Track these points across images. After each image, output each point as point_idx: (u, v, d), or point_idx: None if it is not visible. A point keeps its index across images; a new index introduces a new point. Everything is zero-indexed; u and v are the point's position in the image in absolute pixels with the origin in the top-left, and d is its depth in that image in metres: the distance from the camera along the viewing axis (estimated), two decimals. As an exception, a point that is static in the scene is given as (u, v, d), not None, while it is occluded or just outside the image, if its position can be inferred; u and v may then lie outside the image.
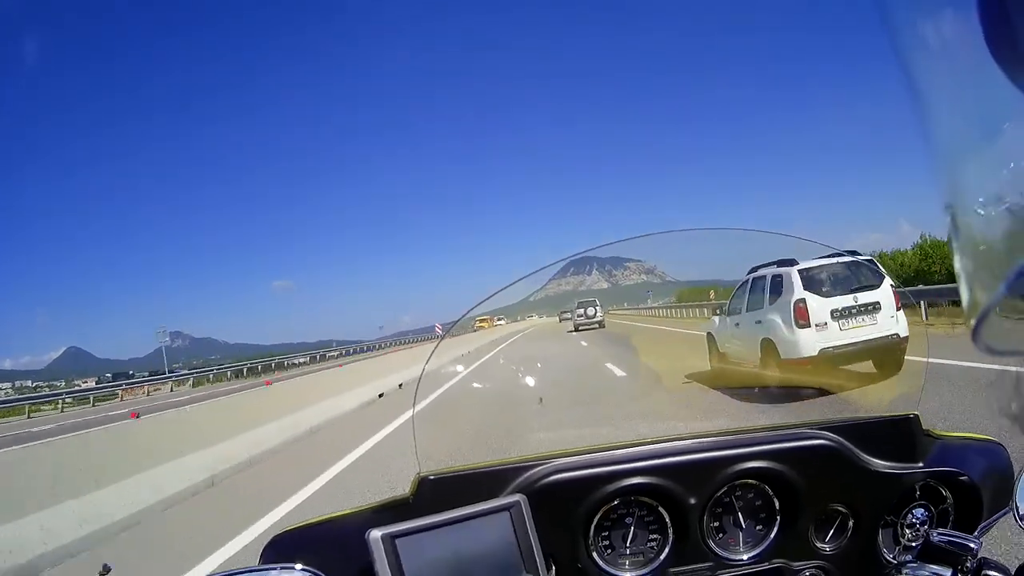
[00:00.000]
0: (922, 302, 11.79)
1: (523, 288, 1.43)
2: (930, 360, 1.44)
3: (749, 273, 6.24)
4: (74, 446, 6.31)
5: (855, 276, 6.24)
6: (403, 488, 1.06)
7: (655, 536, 1.05)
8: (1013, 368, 1.00)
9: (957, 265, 0.33)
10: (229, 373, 36.66)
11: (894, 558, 1.07)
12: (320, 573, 0.86)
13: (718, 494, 1.05)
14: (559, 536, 0.99)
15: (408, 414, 7.96)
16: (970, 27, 0.28)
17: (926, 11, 0.31)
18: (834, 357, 5.86)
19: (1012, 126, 0.29)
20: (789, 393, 3.48)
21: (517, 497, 0.93)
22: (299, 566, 0.86)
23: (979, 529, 1.08)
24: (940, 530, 0.98)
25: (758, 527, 1.08)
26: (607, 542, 1.04)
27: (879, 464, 1.07)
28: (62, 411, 25.75)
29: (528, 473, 1.03)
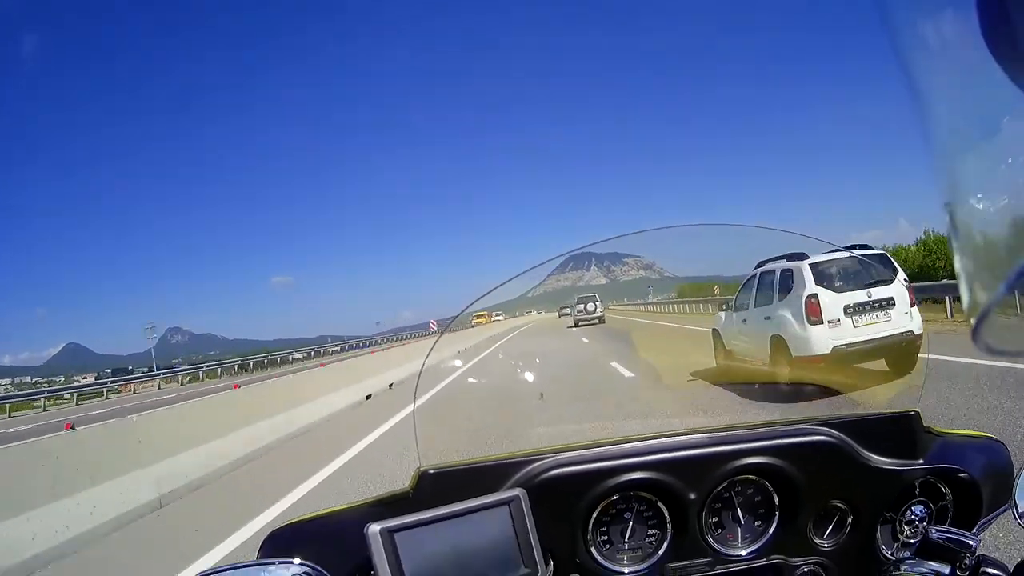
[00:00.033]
0: (947, 298, 11.43)
1: (522, 284, 1.43)
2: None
3: (756, 267, 6.02)
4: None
5: (867, 271, 6.01)
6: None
7: (654, 531, 1.05)
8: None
9: (957, 264, 0.33)
10: (219, 370, 36.14)
11: (893, 555, 1.07)
12: (319, 568, 0.86)
13: (717, 489, 1.05)
14: (558, 531, 1.00)
15: (406, 411, 7.77)
16: (970, 26, 0.28)
17: (926, 10, 0.31)
18: (847, 355, 5.66)
19: (1011, 123, 0.29)
20: (791, 389, 3.48)
21: (516, 491, 0.93)
22: (297, 560, 0.86)
23: (978, 526, 1.08)
24: (939, 527, 0.98)
25: (757, 523, 1.08)
26: (605, 537, 1.04)
27: (879, 461, 1.07)
28: (44, 409, 24.93)
29: (528, 468, 1.03)
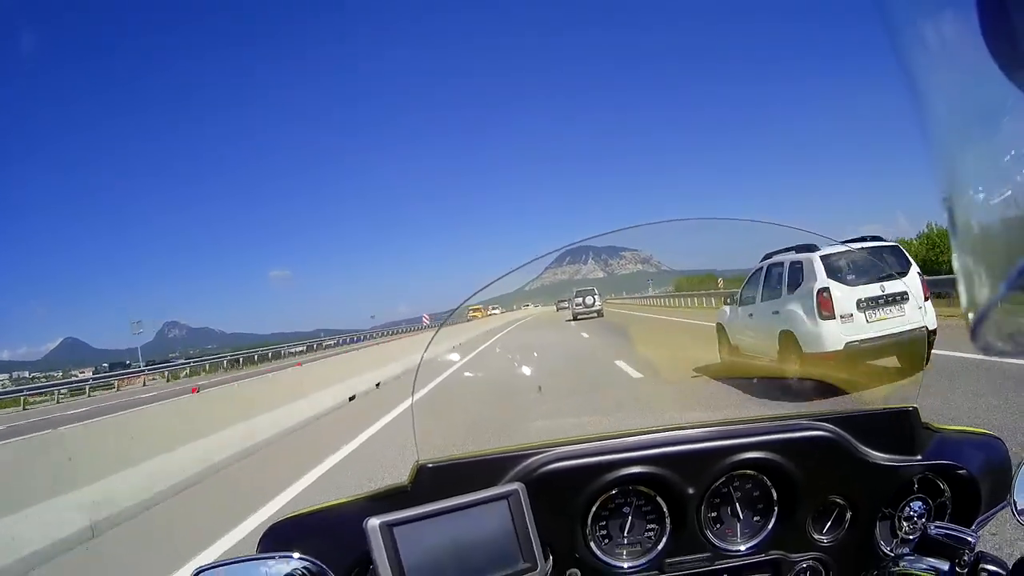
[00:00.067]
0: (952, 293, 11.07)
1: (519, 277, 1.42)
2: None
3: (763, 260, 5.85)
4: None
5: (880, 263, 5.77)
6: None
7: (652, 526, 1.05)
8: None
9: (956, 263, 0.33)
10: (207, 365, 35.79)
11: (891, 551, 1.07)
12: (317, 562, 0.85)
13: (716, 484, 1.05)
14: (557, 525, 0.99)
15: (391, 417, 7.29)
16: (969, 25, 0.27)
17: (926, 9, 0.31)
18: (860, 352, 5.39)
19: (1009, 121, 0.29)
20: (791, 384, 3.47)
21: (515, 485, 0.92)
22: (296, 555, 0.86)
23: (976, 523, 1.08)
24: (937, 523, 0.98)
25: (756, 518, 1.08)
26: (604, 531, 1.04)
27: (877, 456, 1.07)
28: (25, 408, 24.30)
29: (527, 461, 1.03)
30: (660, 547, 1.04)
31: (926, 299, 5.77)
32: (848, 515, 1.07)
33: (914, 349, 5.31)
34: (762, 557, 1.06)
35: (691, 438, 1.06)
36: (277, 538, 1.00)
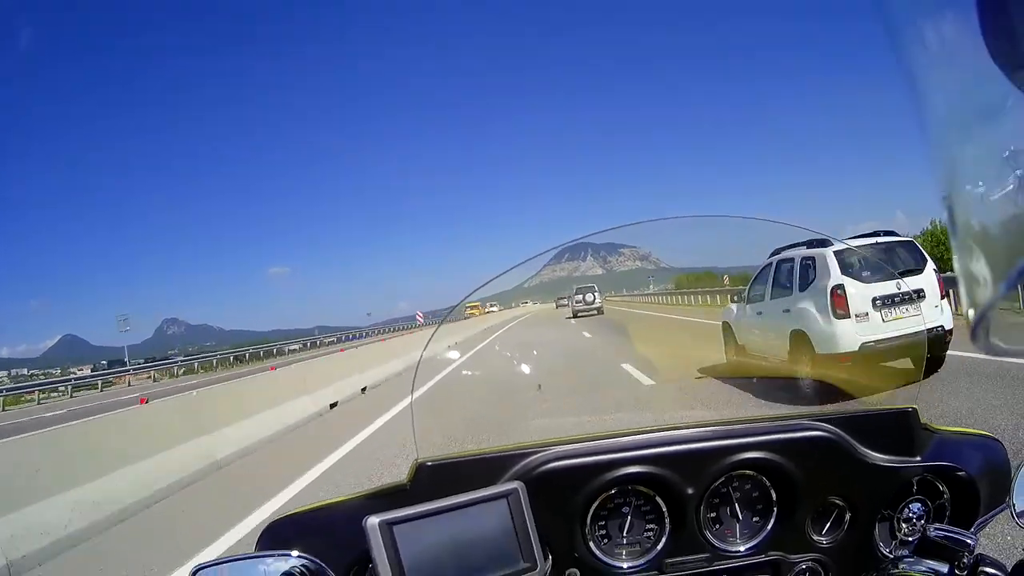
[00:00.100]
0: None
1: (518, 274, 1.42)
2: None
3: (772, 255, 5.63)
4: None
5: (895, 259, 5.51)
6: None
7: (652, 526, 1.05)
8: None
9: (956, 263, 0.33)
10: (196, 365, 35.13)
11: (891, 552, 1.07)
12: (316, 560, 0.85)
13: (715, 484, 1.04)
14: (556, 524, 0.99)
15: (376, 426, 6.97)
16: (969, 25, 0.27)
17: (925, 8, 0.31)
18: (876, 353, 5.07)
19: (1009, 120, 0.29)
20: (793, 383, 3.44)
21: (515, 484, 0.92)
22: (295, 552, 0.86)
23: (976, 525, 1.08)
24: (937, 525, 0.97)
25: (755, 519, 1.07)
26: (604, 531, 1.04)
27: (877, 457, 1.07)
28: (4, 409, 23.14)
29: (526, 460, 1.02)
30: (659, 547, 1.04)
31: (942, 297, 5.55)
32: (847, 516, 1.07)
33: (932, 350, 5.09)
34: (761, 558, 1.06)
35: (690, 438, 1.06)
36: (276, 536, 0.99)
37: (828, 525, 1.08)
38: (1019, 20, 0.26)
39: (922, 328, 5.01)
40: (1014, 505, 0.97)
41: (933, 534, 0.92)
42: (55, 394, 27.46)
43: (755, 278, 6.05)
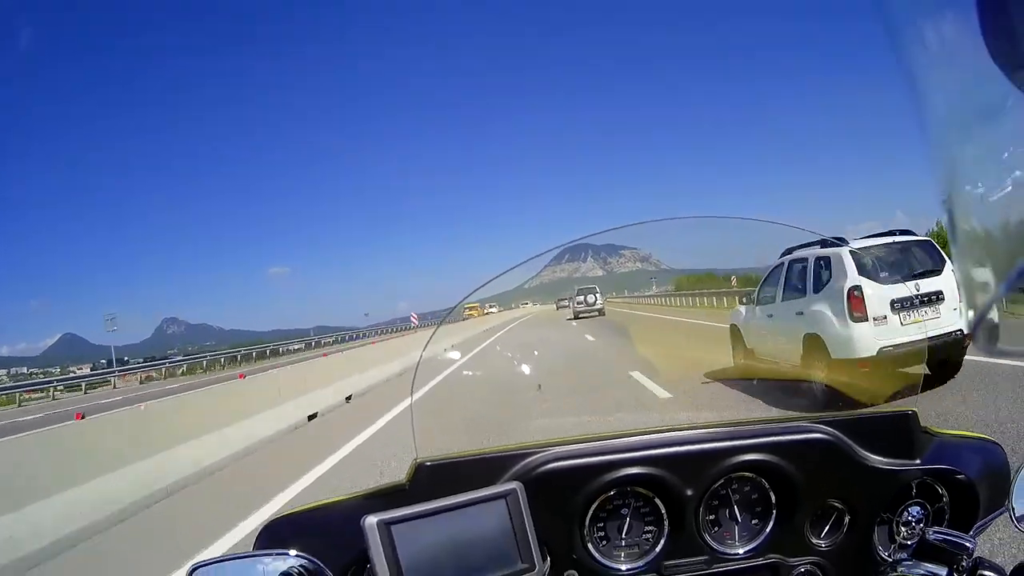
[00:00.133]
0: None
1: (517, 275, 1.41)
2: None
3: (783, 255, 5.41)
4: None
5: (912, 260, 5.28)
6: None
7: (651, 528, 1.05)
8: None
9: (956, 263, 0.33)
10: (182, 365, 34.50)
11: (890, 556, 1.07)
12: (314, 559, 0.85)
13: (715, 486, 1.04)
14: (555, 525, 0.99)
15: (360, 438, 6.57)
16: (969, 25, 0.27)
17: (925, 8, 0.31)
18: (894, 358, 4.79)
19: (1010, 120, 0.29)
20: (789, 386, 3.41)
21: (514, 485, 0.92)
22: (293, 552, 0.86)
23: (975, 528, 1.08)
24: (936, 528, 0.97)
25: (754, 521, 1.07)
26: (602, 533, 1.04)
27: (876, 460, 1.06)
28: None
29: (525, 461, 1.02)
30: (658, 549, 1.04)
31: (961, 299, 5.52)
32: (846, 519, 1.07)
33: (951, 355, 4.92)
34: (760, 560, 1.05)
35: (690, 439, 1.05)
36: (273, 535, 0.99)
37: (827, 528, 1.08)
38: (1019, 20, 0.26)
39: (942, 332, 4.88)
40: (1013, 509, 0.97)
41: (932, 537, 0.92)
42: (38, 394, 25.67)
43: (765, 279, 5.84)
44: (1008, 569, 0.88)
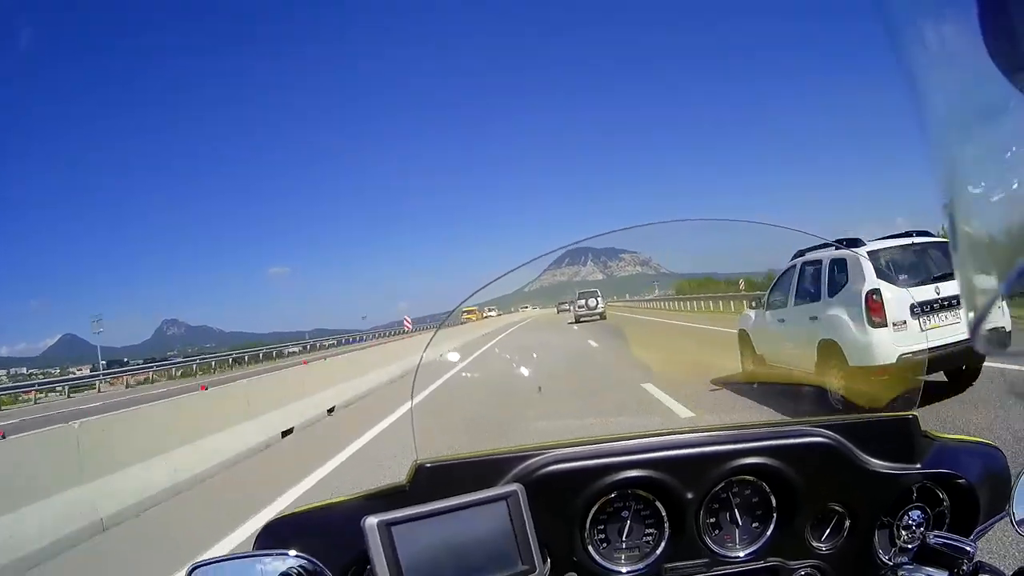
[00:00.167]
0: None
1: (517, 278, 1.41)
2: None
3: (795, 257, 5.23)
4: None
5: (930, 262, 5.01)
6: None
7: (651, 531, 1.05)
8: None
9: (956, 264, 0.33)
10: (181, 367, 33.85)
11: (890, 559, 1.06)
12: (314, 560, 0.85)
13: (715, 490, 1.04)
14: (555, 527, 0.99)
15: (356, 447, 6.28)
16: (969, 25, 0.27)
17: (925, 8, 0.31)
18: (914, 365, 4.39)
19: (1010, 121, 0.29)
20: (790, 390, 3.40)
21: (514, 486, 0.92)
22: (293, 552, 0.85)
23: (975, 532, 1.08)
24: (936, 532, 0.98)
25: (754, 524, 1.07)
26: (603, 535, 1.04)
27: (877, 464, 1.06)
28: None
29: (526, 463, 1.02)
30: (658, 552, 1.04)
31: None
32: (847, 523, 1.07)
33: (968, 362, 4.72)
34: (760, 564, 1.05)
35: (691, 442, 1.05)
36: (273, 535, 0.99)
37: (828, 531, 1.07)
38: (1019, 20, 0.26)
39: (962, 338, 4.49)
40: (1014, 513, 0.97)
41: (932, 541, 0.92)
42: (24, 397, 23.91)
43: (775, 282, 5.66)
44: (1009, 573, 0.88)
